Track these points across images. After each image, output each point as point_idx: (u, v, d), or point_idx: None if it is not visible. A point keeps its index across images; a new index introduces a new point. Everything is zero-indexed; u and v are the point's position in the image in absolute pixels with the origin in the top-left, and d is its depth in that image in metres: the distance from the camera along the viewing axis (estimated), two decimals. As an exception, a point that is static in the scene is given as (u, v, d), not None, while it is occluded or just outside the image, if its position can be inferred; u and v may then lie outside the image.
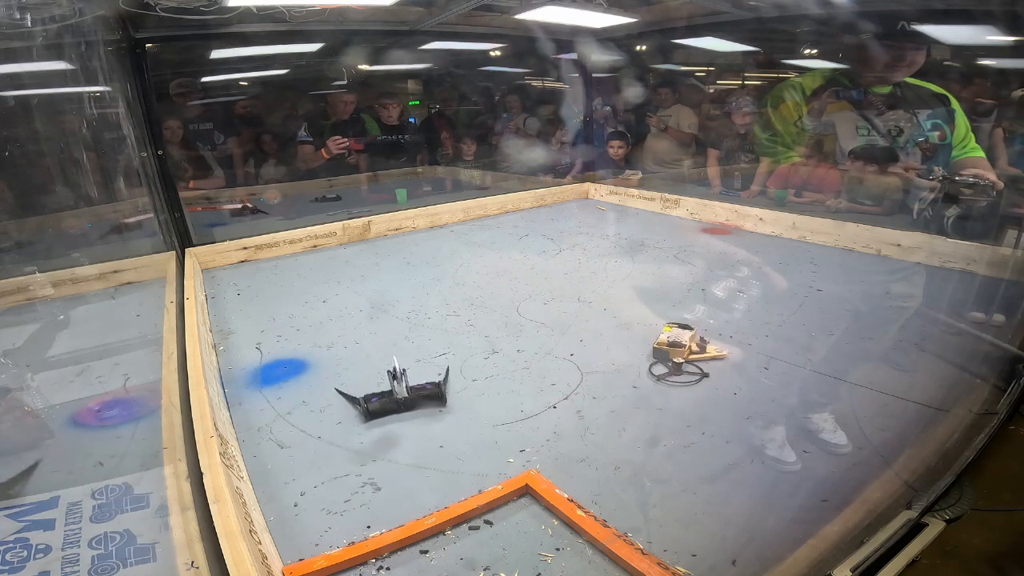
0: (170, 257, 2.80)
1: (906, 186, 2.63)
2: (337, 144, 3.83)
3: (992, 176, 2.28)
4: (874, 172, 2.73)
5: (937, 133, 2.53)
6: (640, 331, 1.99)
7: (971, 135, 2.52)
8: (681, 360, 1.66)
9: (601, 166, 4.50)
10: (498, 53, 4.66)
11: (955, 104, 2.55)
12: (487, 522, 1.14)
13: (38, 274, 2.51)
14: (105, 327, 2.26)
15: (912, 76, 2.60)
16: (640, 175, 4.20)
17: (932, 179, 2.44)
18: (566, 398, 1.57)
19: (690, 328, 1.77)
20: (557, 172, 4.51)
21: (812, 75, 2.89)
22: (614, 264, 2.72)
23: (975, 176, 2.27)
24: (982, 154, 2.52)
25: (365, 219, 3.38)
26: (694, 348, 1.71)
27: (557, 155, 4.53)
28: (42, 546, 1.11)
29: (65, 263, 2.60)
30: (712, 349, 1.72)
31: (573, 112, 4.55)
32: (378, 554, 1.06)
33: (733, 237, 3.10)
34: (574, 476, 1.25)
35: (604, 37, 4.11)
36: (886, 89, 2.65)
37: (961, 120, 2.53)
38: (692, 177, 4.04)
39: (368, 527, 1.13)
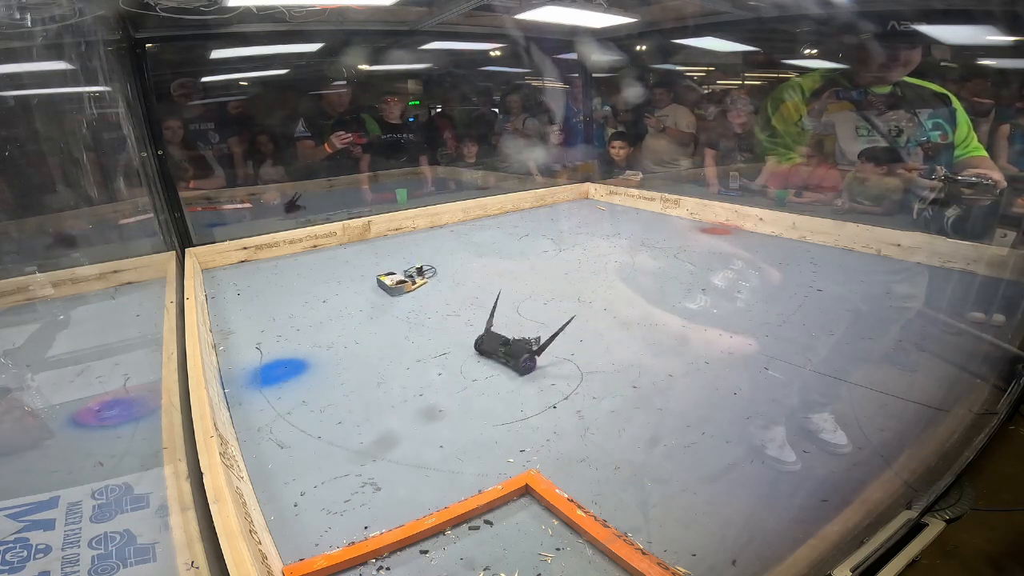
0: (170, 257, 2.80)
1: (908, 186, 2.63)
2: (341, 139, 3.84)
3: (996, 175, 2.27)
4: (878, 172, 2.73)
5: (939, 133, 2.53)
6: (640, 331, 1.99)
7: (973, 135, 2.52)
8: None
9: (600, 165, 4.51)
10: (498, 53, 4.66)
11: (956, 104, 2.54)
12: (487, 522, 1.14)
13: (38, 274, 2.51)
14: (105, 327, 2.26)
15: (912, 76, 2.60)
16: (640, 176, 4.20)
17: (934, 179, 2.44)
18: (566, 398, 1.57)
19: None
20: (547, 171, 4.53)
21: (812, 75, 2.89)
22: (614, 264, 2.72)
23: (977, 175, 2.26)
24: (985, 154, 2.52)
25: (365, 219, 3.38)
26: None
27: (548, 153, 4.54)
28: (42, 546, 1.11)
29: (65, 263, 2.60)
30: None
31: (537, 108, 4.57)
32: (378, 554, 1.06)
33: (733, 237, 3.11)
34: (574, 476, 1.25)
35: (604, 37, 4.11)
36: (886, 89, 2.64)
37: (963, 120, 2.52)
38: (690, 177, 4.04)
39: (367, 527, 1.13)
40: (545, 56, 4.27)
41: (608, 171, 4.47)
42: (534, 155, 4.43)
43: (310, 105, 4.08)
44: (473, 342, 1.87)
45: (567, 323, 1.76)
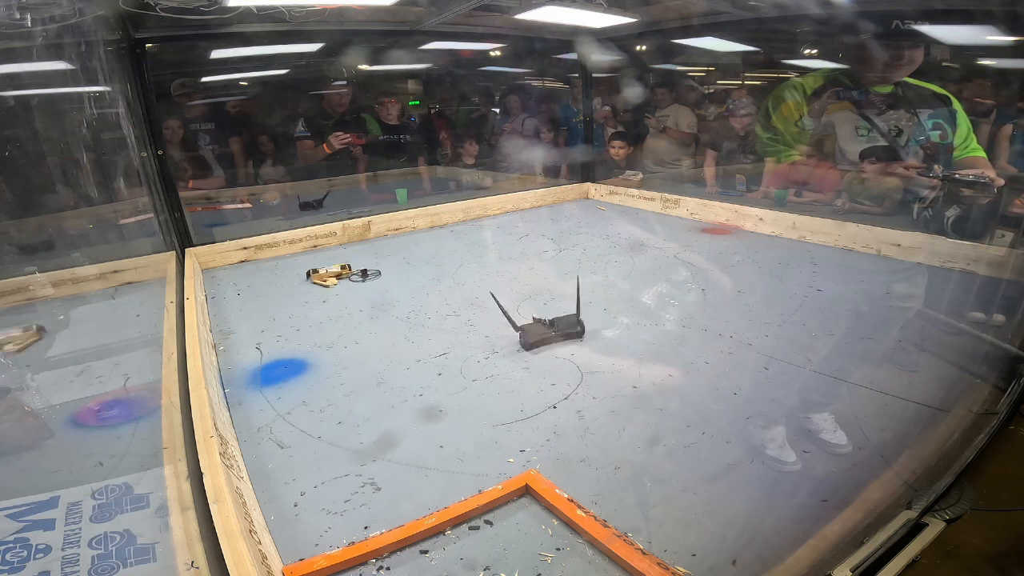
0: (170, 257, 2.80)
1: (907, 185, 2.63)
2: (339, 139, 3.84)
3: (992, 174, 2.28)
4: (877, 171, 2.73)
5: (938, 133, 2.53)
6: (640, 331, 1.99)
7: (972, 136, 2.52)
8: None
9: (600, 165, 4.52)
10: (498, 53, 4.66)
11: (957, 105, 2.54)
12: (487, 522, 1.14)
13: (38, 274, 2.51)
14: (105, 327, 2.26)
15: (913, 76, 2.60)
16: (640, 176, 4.20)
17: (932, 177, 2.44)
18: (566, 398, 1.57)
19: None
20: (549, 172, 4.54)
21: (813, 75, 2.89)
22: (614, 264, 2.72)
23: (975, 174, 2.27)
24: (983, 154, 2.52)
25: (365, 219, 3.38)
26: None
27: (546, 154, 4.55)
28: (42, 546, 1.11)
29: (65, 263, 2.60)
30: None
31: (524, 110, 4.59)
32: (378, 554, 1.06)
33: (733, 237, 3.11)
34: (574, 476, 1.25)
35: (604, 37, 4.11)
36: (887, 89, 2.64)
37: (963, 120, 2.52)
38: (691, 177, 4.04)
39: (367, 527, 1.13)
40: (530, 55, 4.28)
41: (607, 171, 4.46)
42: (533, 155, 4.44)
43: (310, 105, 4.09)
44: (520, 343, 1.89)
45: (578, 288, 1.97)
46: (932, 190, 2.48)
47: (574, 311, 1.96)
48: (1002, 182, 2.26)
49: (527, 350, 1.83)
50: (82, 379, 1.81)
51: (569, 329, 1.89)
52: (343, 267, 2.73)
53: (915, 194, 2.56)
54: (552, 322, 1.90)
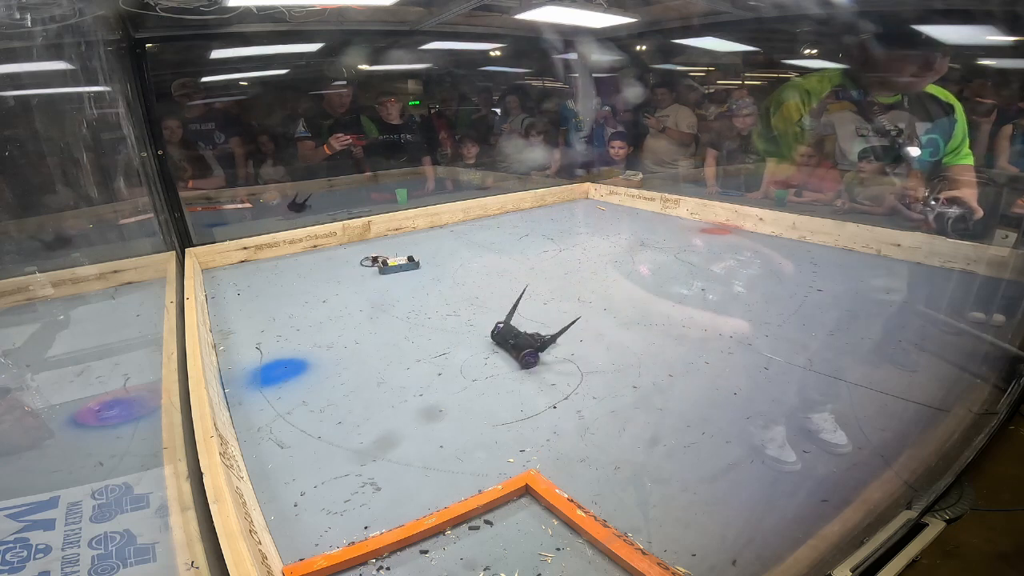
0: (170, 257, 2.80)
1: (903, 202, 2.67)
2: (340, 140, 3.84)
3: (972, 203, 2.35)
4: (876, 171, 2.74)
5: (930, 151, 2.55)
6: (640, 331, 1.99)
7: (966, 142, 2.54)
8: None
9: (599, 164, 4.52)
10: (498, 53, 4.66)
11: (960, 115, 2.55)
12: (487, 522, 1.14)
13: (38, 274, 2.51)
14: (105, 327, 2.25)
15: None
16: (640, 176, 4.20)
17: (920, 213, 2.50)
18: (566, 398, 1.57)
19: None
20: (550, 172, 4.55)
21: (819, 78, 2.88)
22: (614, 264, 2.72)
23: (959, 206, 2.34)
24: (971, 162, 2.54)
25: (365, 219, 3.38)
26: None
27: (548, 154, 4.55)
28: (42, 546, 1.11)
29: (65, 263, 2.60)
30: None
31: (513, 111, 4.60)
32: (378, 554, 1.06)
33: (733, 237, 3.11)
34: (574, 476, 1.25)
35: (604, 37, 4.12)
36: (895, 99, 2.64)
37: (960, 130, 2.53)
38: (690, 177, 4.04)
39: (367, 527, 1.13)
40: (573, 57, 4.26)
41: (609, 171, 4.47)
42: (540, 156, 4.44)
43: (310, 105, 4.09)
44: (490, 332, 1.91)
45: (572, 323, 1.79)
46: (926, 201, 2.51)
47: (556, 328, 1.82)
48: (981, 213, 2.32)
49: (492, 339, 1.88)
50: (82, 379, 1.81)
51: (517, 351, 1.75)
52: (409, 258, 2.88)
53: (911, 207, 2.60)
54: (518, 335, 1.81)
